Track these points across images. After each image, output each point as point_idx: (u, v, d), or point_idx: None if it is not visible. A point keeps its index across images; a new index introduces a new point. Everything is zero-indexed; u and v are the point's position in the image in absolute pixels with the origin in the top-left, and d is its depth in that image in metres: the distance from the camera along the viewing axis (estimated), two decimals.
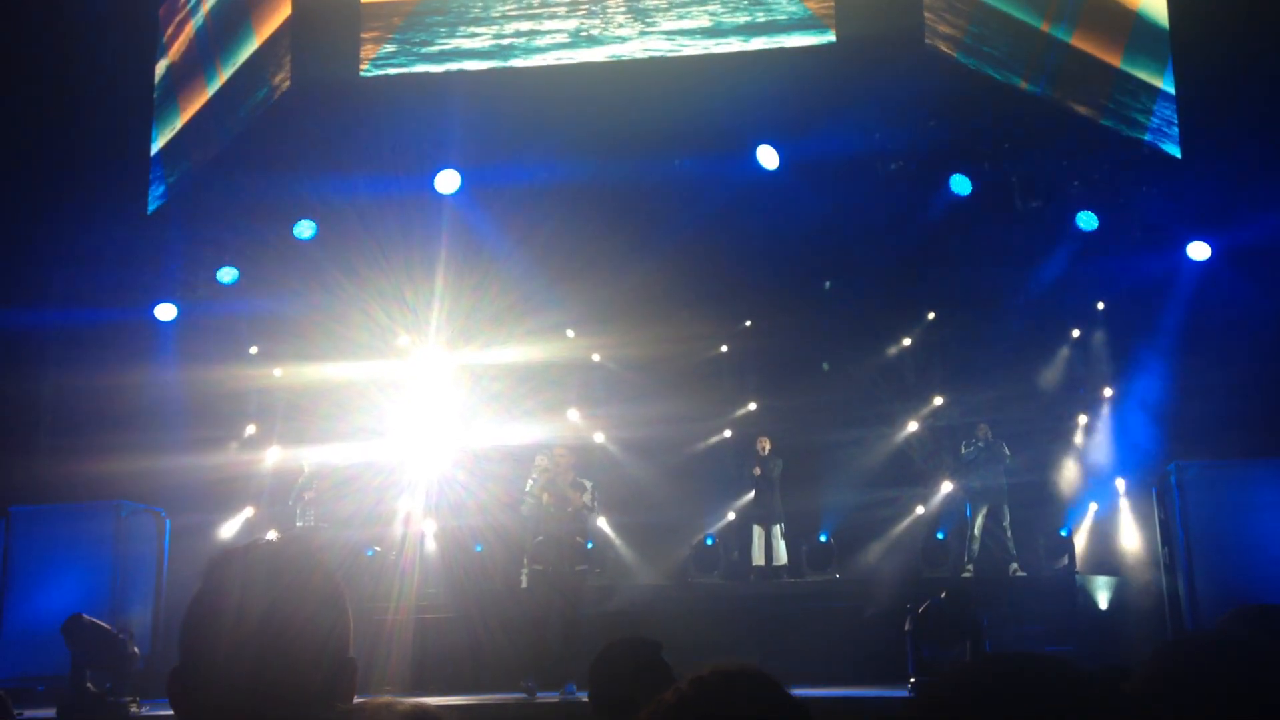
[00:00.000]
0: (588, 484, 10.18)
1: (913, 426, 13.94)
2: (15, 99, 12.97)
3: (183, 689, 1.64)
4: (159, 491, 12.12)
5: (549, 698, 9.26)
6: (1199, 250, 12.39)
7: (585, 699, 9.02)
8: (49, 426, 12.98)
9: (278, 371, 13.84)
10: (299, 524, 11.98)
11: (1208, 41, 12.22)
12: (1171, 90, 12.58)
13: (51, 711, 9.33)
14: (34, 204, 13.11)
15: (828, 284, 14.26)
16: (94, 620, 9.83)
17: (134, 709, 9.72)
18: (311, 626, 1.65)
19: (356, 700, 1.66)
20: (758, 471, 13.14)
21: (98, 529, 11.67)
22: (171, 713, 1.68)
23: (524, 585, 10.82)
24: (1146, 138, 12.49)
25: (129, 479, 11.81)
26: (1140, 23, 12.78)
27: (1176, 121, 12.51)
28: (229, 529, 12.90)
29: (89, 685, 9.54)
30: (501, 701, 9.23)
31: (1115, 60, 12.59)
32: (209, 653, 1.63)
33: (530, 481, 10.12)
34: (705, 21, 12.73)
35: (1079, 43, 12.62)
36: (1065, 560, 12.49)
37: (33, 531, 11.71)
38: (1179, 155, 12.40)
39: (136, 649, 10.16)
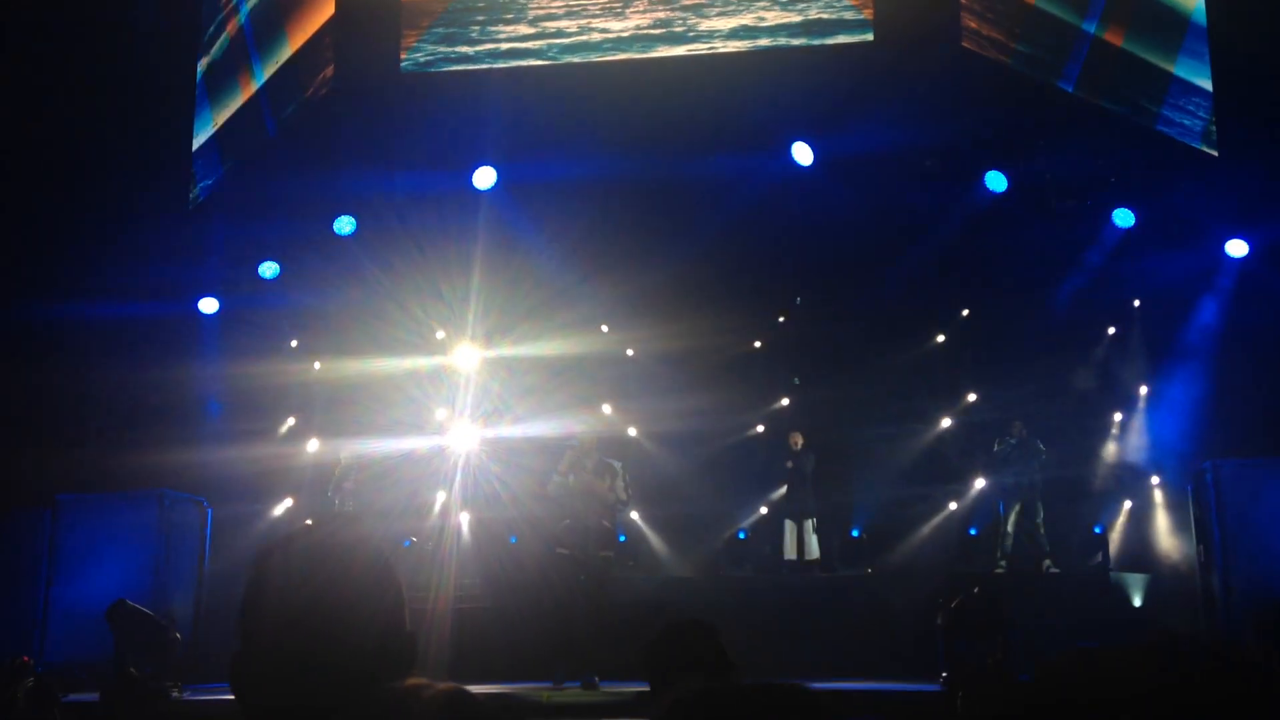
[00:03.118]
0: (617, 465, 9.88)
1: (946, 423, 13.91)
2: (60, 96, 13.18)
3: (239, 674, 1.69)
4: (201, 482, 12.32)
5: (574, 687, 9.32)
6: (1237, 247, 12.30)
7: (605, 688, 9.09)
8: (95, 418, 13.19)
9: (317, 365, 14.01)
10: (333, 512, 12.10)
11: (1246, 37, 12.12)
12: (1184, 76, 12.50)
13: (94, 695, 9.51)
14: (79, 200, 13.32)
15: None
16: (137, 606, 9.98)
17: (175, 694, 9.89)
18: (356, 609, 1.67)
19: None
20: (791, 472, 13.16)
21: (142, 517, 11.82)
22: (211, 698, 1.76)
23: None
24: (1165, 130, 12.44)
25: (172, 469, 11.99)
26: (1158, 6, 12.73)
27: (1192, 109, 12.44)
28: (269, 519, 13.09)
29: (131, 670, 9.68)
30: (534, 690, 9.34)
31: (1118, 41, 12.55)
32: (259, 638, 1.68)
33: (558, 467, 9.92)
34: (749, 20, 12.79)
35: (1111, 37, 12.58)
36: (1099, 557, 12.44)
37: (78, 519, 11.89)
38: (1197, 143, 12.34)
39: (178, 635, 10.31)
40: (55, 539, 11.86)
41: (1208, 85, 12.53)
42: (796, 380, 14.52)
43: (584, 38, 12.97)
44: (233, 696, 1.69)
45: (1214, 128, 12.46)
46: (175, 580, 11.80)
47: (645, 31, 12.94)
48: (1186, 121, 12.47)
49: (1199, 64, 12.56)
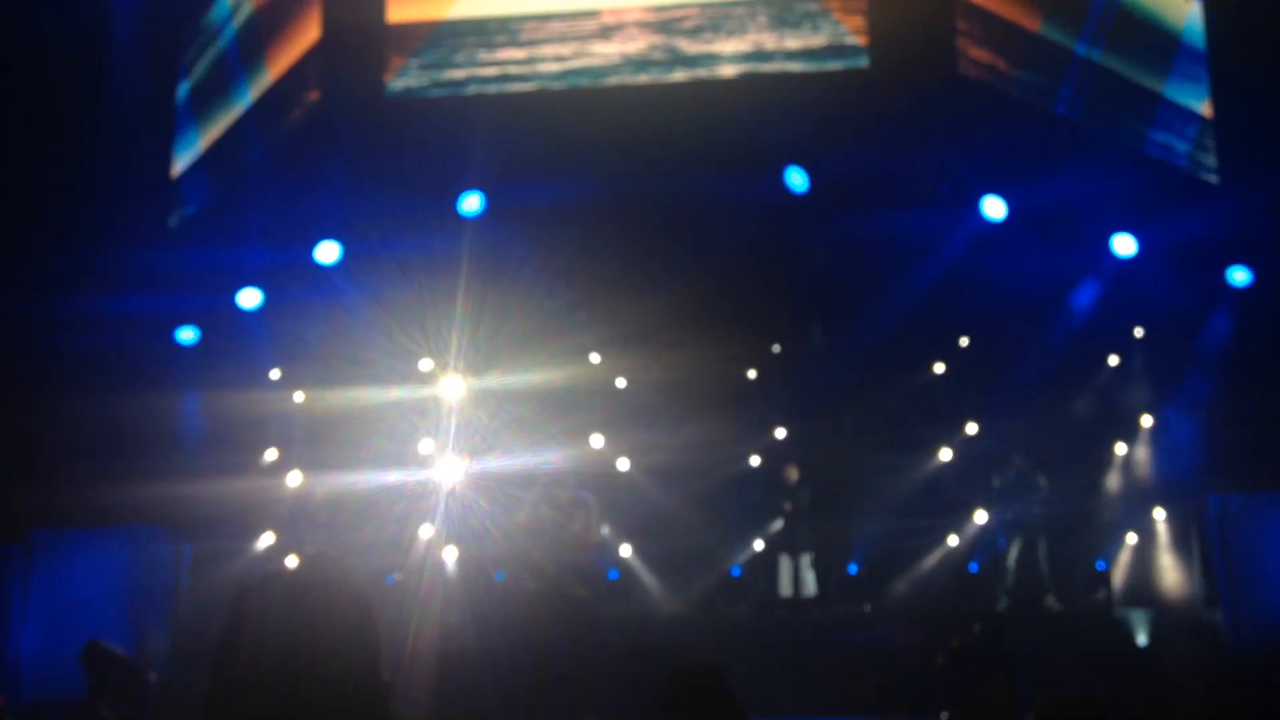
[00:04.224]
0: (592, 501, 9.52)
1: (945, 454, 13.68)
2: (38, 120, 13.01)
3: (212, 717, 1.65)
4: (178, 517, 12.04)
5: None
6: (1240, 276, 12.18)
7: None
8: (69, 451, 12.92)
9: (299, 396, 13.77)
10: (310, 550, 11.81)
11: (1247, 64, 12.04)
12: (1174, 99, 12.40)
13: None
14: (56, 226, 13.14)
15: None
16: (111, 647, 9.78)
17: None
18: (332, 653, 1.66)
19: None
20: (787, 507, 12.91)
21: (117, 553, 11.64)
22: None
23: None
24: (1154, 153, 12.33)
25: (149, 504, 11.74)
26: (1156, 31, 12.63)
27: (1190, 134, 12.36)
28: (249, 555, 12.79)
29: (105, 713, 9.47)
30: None
31: (1108, 63, 12.47)
32: (234, 681, 1.67)
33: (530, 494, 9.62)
34: (745, 45, 12.69)
35: (1102, 59, 12.50)
36: (1102, 593, 12.23)
37: (52, 556, 11.69)
38: (1184, 165, 12.24)
39: (153, 675, 10.08)
40: (28, 575, 11.62)
41: (1197, 108, 12.43)
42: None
43: (577, 62, 12.83)
44: None
45: (1202, 152, 12.37)
46: (151, 618, 11.58)
47: (640, 56, 12.80)
48: (1177, 145, 12.37)
49: (1191, 86, 12.45)
